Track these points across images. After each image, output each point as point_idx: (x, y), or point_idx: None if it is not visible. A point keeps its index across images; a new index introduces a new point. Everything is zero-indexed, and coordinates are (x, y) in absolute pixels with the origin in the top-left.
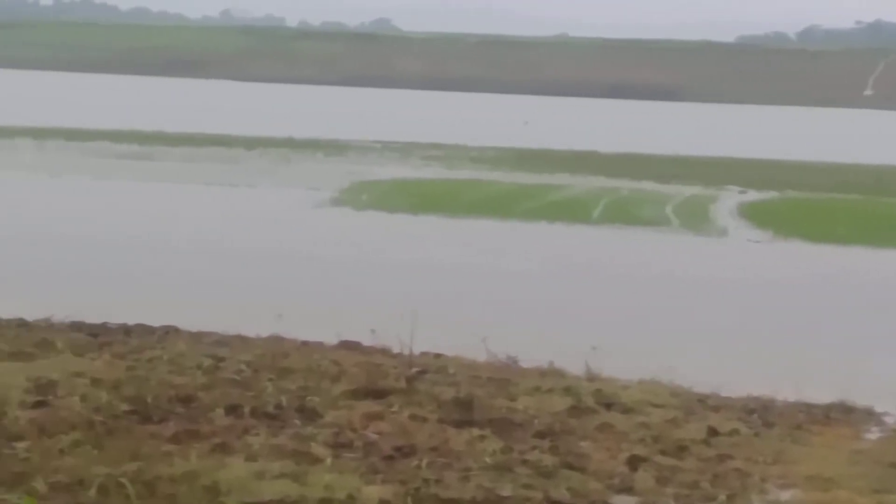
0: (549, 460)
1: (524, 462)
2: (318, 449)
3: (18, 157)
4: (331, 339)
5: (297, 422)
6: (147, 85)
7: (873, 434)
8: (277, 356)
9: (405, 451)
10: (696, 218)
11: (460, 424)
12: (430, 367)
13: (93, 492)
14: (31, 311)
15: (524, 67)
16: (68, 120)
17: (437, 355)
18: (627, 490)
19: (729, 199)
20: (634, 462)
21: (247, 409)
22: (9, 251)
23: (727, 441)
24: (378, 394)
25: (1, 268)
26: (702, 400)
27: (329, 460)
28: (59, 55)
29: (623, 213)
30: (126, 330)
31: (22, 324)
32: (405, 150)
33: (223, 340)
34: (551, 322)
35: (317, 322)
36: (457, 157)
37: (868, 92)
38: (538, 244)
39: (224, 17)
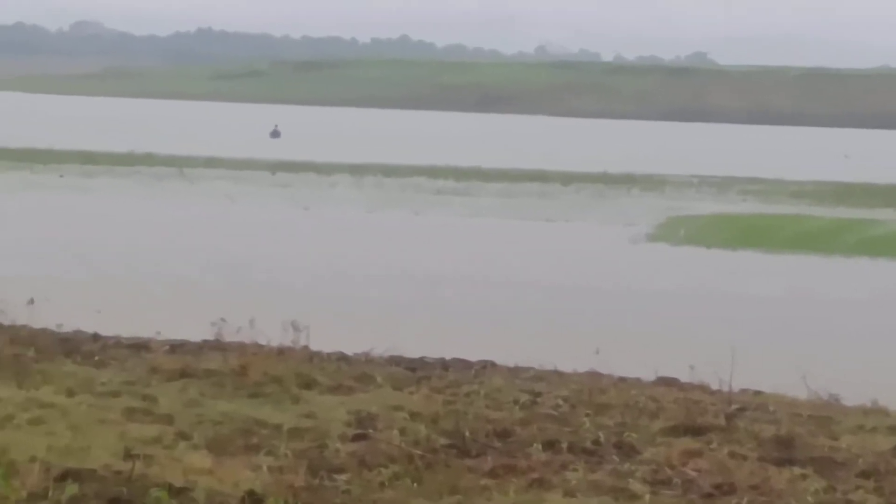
0: (873, 501)
1: (848, 502)
2: (636, 485)
3: (337, 193)
4: (648, 374)
5: (615, 458)
6: (463, 121)
7: None
8: (594, 392)
9: (725, 489)
10: None
11: (781, 463)
12: (749, 405)
13: None
14: (351, 346)
15: (845, 100)
16: (386, 156)
17: (757, 392)
18: None
19: None
20: None
21: (564, 445)
22: (328, 286)
23: None
24: (696, 431)
25: (322, 303)
26: None
27: (647, 497)
28: (378, 93)
29: None
30: (443, 364)
31: (342, 357)
32: (722, 184)
33: (540, 375)
34: (874, 359)
35: (634, 357)
36: (775, 192)
37: None
38: (859, 280)
39: (539, 53)
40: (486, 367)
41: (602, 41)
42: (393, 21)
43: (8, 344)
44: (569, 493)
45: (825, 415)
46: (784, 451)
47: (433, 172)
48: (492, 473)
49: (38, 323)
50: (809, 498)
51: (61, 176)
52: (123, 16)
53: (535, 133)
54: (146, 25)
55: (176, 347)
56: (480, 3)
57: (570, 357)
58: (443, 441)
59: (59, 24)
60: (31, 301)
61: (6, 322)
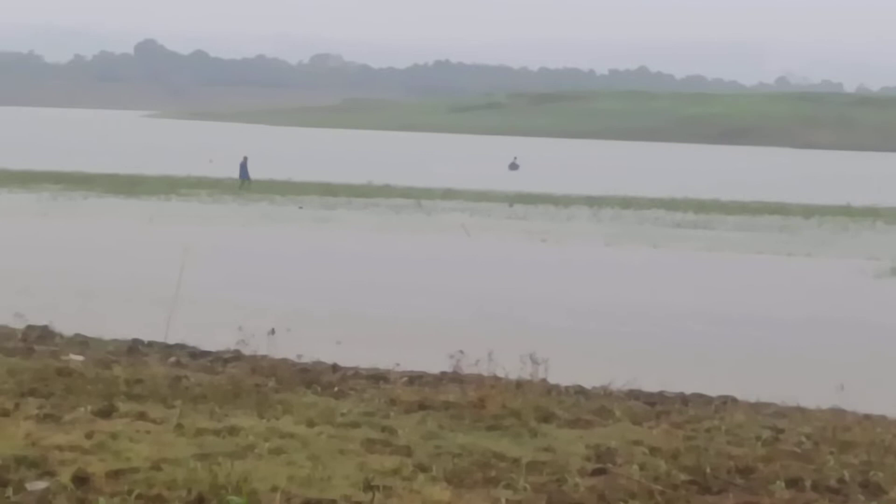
0: None
1: None
2: None
3: (575, 226)
4: (895, 412)
5: (861, 497)
6: (702, 153)
7: None
8: (839, 429)
9: None
10: None
11: None
12: None
13: None
14: (590, 379)
15: None
16: (624, 188)
17: None
18: None
19: None
20: None
21: (808, 483)
22: (566, 319)
23: None
24: None
25: (560, 335)
26: None
27: None
28: (616, 125)
29: None
30: (683, 399)
31: (580, 391)
32: None
33: (782, 412)
34: None
35: (880, 394)
36: None
37: None
38: None
39: (780, 84)
40: (727, 402)
41: (845, 71)
42: (631, 52)
43: (249, 374)
44: None
45: None
46: None
47: (672, 205)
48: None
49: (278, 353)
50: None
51: (300, 207)
52: (362, 48)
53: (776, 165)
54: (385, 58)
55: (414, 379)
56: (721, 34)
57: (813, 393)
58: (683, 477)
59: (299, 58)
60: (272, 332)
61: (248, 352)
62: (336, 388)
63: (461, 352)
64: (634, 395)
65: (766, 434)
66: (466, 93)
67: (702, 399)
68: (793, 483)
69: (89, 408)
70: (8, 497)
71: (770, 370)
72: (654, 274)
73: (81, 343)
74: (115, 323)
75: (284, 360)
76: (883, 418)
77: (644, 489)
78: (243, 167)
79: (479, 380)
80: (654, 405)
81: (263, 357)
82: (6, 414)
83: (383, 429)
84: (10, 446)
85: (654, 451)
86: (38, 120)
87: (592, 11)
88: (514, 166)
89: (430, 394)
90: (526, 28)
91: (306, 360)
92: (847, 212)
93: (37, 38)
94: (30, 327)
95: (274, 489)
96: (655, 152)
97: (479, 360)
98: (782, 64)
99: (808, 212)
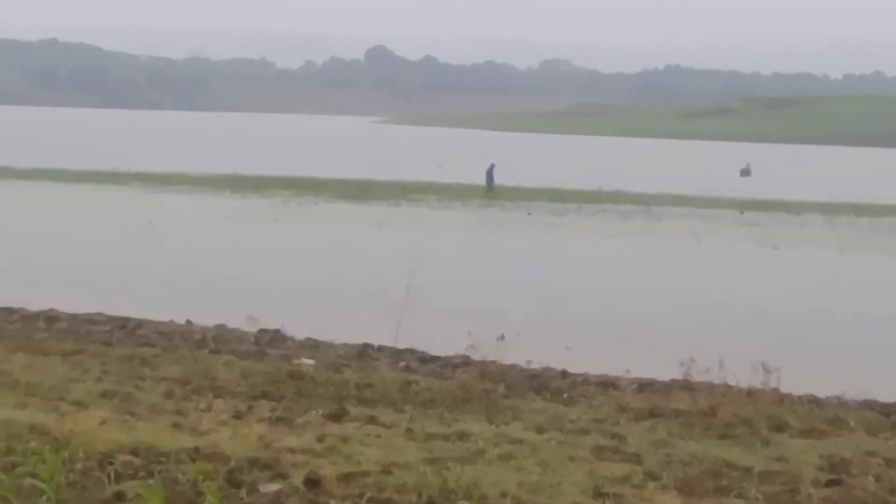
0: None
1: None
2: None
3: (807, 233)
4: None
5: None
6: None
7: None
8: None
9: None
10: None
11: None
12: None
13: None
14: (823, 388)
15: None
16: (859, 195)
17: None
18: None
19: None
20: None
21: None
22: (798, 327)
23: None
24: None
25: (792, 344)
26: None
27: None
28: (851, 130)
29: None
30: None
31: (813, 400)
32: None
33: None
34: None
35: None
36: None
37: None
38: None
39: None
40: None
41: None
42: (866, 56)
43: (479, 379)
44: None
45: None
46: None
47: None
48: None
49: (508, 359)
50: None
51: (529, 213)
52: (592, 53)
53: None
54: (614, 63)
55: (644, 386)
56: None
57: None
58: None
59: (528, 63)
60: (502, 337)
61: (477, 358)
62: (565, 395)
63: (692, 359)
64: (869, 405)
65: None
66: (697, 98)
67: None
68: None
69: (320, 411)
70: (241, 498)
71: None
72: (889, 282)
73: (312, 347)
74: (346, 327)
75: (514, 366)
76: None
77: (880, 501)
78: (489, 174)
79: (709, 388)
80: (890, 415)
81: (493, 363)
82: (240, 416)
83: (613, 436)
84: (243, 448)
85: (890, 462)
86: (270, 126)
87: (826, 14)
88: (745, 172)
89: (660, 401)
90: (758, 32)
91: (535, 365)
92: None
93: (269, 44)
94: (262, 331)
95: (503, 495)
96: (891, 158)
97: (709, 367)
98: None
99: None
